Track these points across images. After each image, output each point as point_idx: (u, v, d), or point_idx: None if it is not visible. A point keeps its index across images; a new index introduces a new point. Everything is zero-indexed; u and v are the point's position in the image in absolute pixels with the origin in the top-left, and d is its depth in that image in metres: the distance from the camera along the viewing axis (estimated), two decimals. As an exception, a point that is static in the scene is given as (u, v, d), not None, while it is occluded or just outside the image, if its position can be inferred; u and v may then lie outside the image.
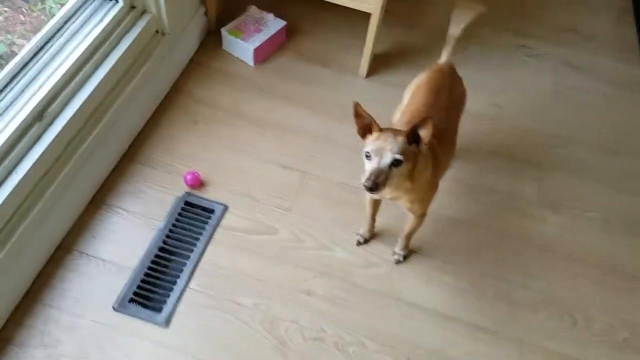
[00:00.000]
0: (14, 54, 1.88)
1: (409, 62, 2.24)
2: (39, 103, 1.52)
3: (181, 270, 1.64)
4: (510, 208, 1.86)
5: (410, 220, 1.58)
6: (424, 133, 1.22)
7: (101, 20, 1.74)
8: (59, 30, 1.67)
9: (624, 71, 2.35)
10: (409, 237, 1.66)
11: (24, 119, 1.48)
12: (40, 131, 1.53)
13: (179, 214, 1.75)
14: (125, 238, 1.69)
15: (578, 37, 2.46)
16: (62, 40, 1.66)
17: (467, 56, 2.28)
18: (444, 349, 1.55)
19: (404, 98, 1.64)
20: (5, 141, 1.43)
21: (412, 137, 1.23)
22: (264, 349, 1.52)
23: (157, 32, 1.92)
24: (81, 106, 1.61)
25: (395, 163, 1.21)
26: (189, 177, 1.80)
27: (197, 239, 1.71)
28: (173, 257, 1.67)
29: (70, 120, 1.58)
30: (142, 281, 1.61)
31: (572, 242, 1.79)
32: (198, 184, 1.82)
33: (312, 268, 1.68)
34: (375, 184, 1.20)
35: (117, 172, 1.83)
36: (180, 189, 1.81)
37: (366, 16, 2.00)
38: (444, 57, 1.64)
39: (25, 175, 1.45)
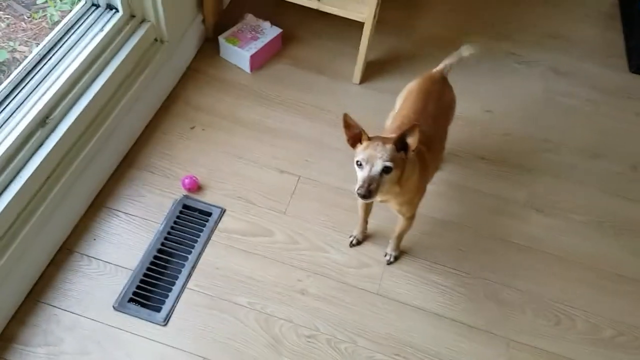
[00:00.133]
0: (15, 61, 1.93)
1: (401, 69, 2.29)
2: (42, 109, 1.56)
3: (179, 271, 1.69)
4: (499, 211, 1.91)
5: (400, 222, 1.64)
6: (411, 140, 1.27)
7: (102, 29, 1.78)
8: (61, 38, 1.72)
9: (611, 77, 2.40)
10: (399, 238, 1.71)
11: (28, 125, 1.53)
12: (43, 137, 1.57)
13: (177, 217, 1.80)
14: (125, 240, 1.74)
15: (566, 43, 2.52)
16: (64, 48, 1.70)
17: (459, 64, 2.34)
18: (433, 346, 1.60)
19: (397, 104, 1.70)
20: (10, 146, 1.48)
21: (400, 144, 1.29)
22: (259, 346, 1.57)
23: (155, 40, 1.96)
24: (83, 112, 1.65)
25: (386, 170, 1.27)
26: (187, 181, 1.85)
27: (195, 241, 1.75)
28: (171, 259, 1.72)
29: (72, 126, 1.62)
30: (142, 282, 1.66)
31: (559, 243, 1.85)
32: (196, 187, 1.86)
33: (307, 268, 1.73)
34: (369, 192, 1.26)
35: (116, 176, 1.88)
36: (179, 192, 1.86)
37: (359, 25, 2.05)
38: (440, 66, 1.69)
39: (28, 179, 1.49)
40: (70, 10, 1.85)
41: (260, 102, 2.15)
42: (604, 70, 2.43)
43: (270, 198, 1.88)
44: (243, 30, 2.27)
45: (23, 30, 2.02)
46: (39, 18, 2.04)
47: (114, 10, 1.83)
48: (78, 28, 1.76)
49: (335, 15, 2.06)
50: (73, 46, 1.73)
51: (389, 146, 1.28)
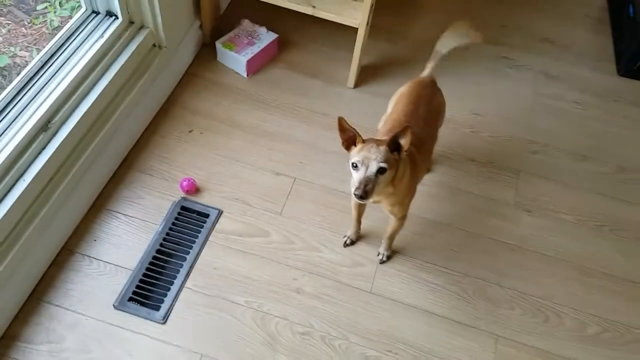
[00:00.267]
0: (16, 66, 1.97)
1: (395, 73, 2.34)
2: (44, 114, 1.60)
3: (178, 271, 1.73)
4: (488, 211, 1.96)
5: (392, 222, 1.68)
6: (404, 141, 1.32)
7: (102, 36, 1.82)
8: (62, 45, 1.76)
9: (600, 80, 2.46)
10: (391, 238, 1.76)
11: (30, 130, 1.56)
12: (46, 141, 1.61)
13: (176, 218, 1.85)
14: (125, 241, 1.78)
15: (557, 47, 2.57)
16: (65, 54, 1.74)
17: (450, 67, 2.39)
18: (424, 342, 1.65)
19: (389, 107, 1.75)
20: (13, 150, 1.52)
21: (394, 145, 1.33)
22: (256, 343, 1.61)
23: (154, 45, 2.00)
24: (83, 117, 1.69)
25: (381, 171, 1.31)
26: (185, 183, 1.89)
27: (193, 242, 1.80)
28: (170, 259, 1.76)
29: (73, 130, 1.66)
30: (141, 281, 1.70)
31: (547, 243, 1.90)
32: (194, 189, 1.91)
33: (302, 268, 1.77)
34: (365, 192, 1.30)
35: (116, 179, 1.92)
36: (177, 194, 1.90)
37: (354, 30, 2.10)
38: (427, 71, 1.74)
39: (32, 182, 1.53)
40: (70, 16, 1.89)
41: (256, 106, 2.19)
42: (593, 73, 2.48)
43: (267, 199, 1.92)
44: (240, 35, 2.31)
45: (23, 35, 2.05)
46: (39, 24, 2.07)
47: (113, 17, 1.87)
48: (79, 35, 1.80)
49: (329, 21, 2.10)
50: (74, 52, 1.77)
51: (383, 148, 1.32)
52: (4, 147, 1.53)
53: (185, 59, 2.26)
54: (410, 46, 2.49)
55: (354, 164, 1.33)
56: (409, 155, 1.44)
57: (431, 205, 1.95)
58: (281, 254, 1.80)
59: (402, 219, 1.65)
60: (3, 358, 1.52)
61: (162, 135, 2.06)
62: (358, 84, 2.31)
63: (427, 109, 1.62)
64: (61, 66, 1.73)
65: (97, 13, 1.87)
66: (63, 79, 1.70)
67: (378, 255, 1.81)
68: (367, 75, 2.34)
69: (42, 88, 1.67)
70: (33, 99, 1.64)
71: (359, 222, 1.80)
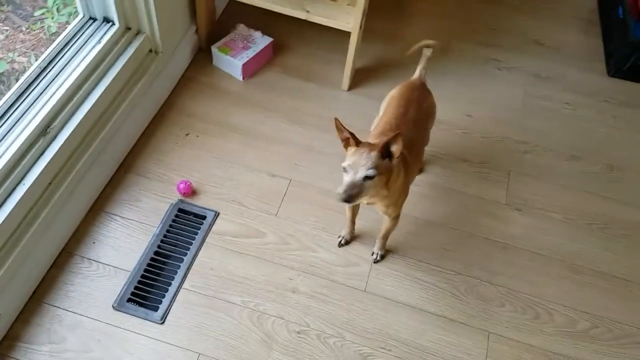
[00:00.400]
0: (15, 72, 2.00)
1: (388, 76, 2.37)
2: (43, 119, 1.63)
3: (175, 272, 1.76)
4: (480, 210, 2.00)
5: (385, 222, 1.72)
6: (395, 148, 1.34)
7: (99, 41, 1.85)
8: (60, 51, 1.79)
9: (590, 81, 2.50)
10: (385, 237, 1.79)
11: (30, 134, 1.59)
12: (45, 145, 1.64)
13: (173, 220, 1.88)
14: (123, 243, 1.81)
15: (547, 49, 2.61)
16: (63, 60, 1.77)
17: (441, 69, 2.43)
18: (417, 339, 1.68)
19: (380, 110, 1.78)
20: (14, 154, 1.55)
21: (386, 151, 1.36)
22: (252, 342, 1.64)
23: (150, 50, 2.03)
24: (82, 121, 1.72)
25: (368, 178, 1.34)
26: (181, 185, 1.92)
27: (190, 243, 1.83)
28: (168, 260, 1.79)
29: (72, 135, 1.69)
30: (139, 282, 1.73)
31: (538, 241, 1.93)
32: (190, 192, 1.94)
33: (297, 268, 1.81)
34: (349, 196, 1.33)
35: (114, 182, 1.95)
36: (174, 197, 1.93)
37: (347, 34, 2.13)
38: (416, 73, 1.78)
39: (31, 186, 1.56)
40: (68, 22, 1.92)
41: (252, 109, 2.23)
42: (583, 74, 2.52)
43: (262, 201, 1.95)
44: (235, 39, 2.35)
45: (22, 41, 2.07)
46: (37, 29, 2.09)
47: (110, 23, 1.90)
48: (76, 41, 1.83)
49: (323, 25, 2.13)
50: (72, 58, 1.79)
51: (374, 154, 1.34)
52: (5, 152, 1.56)
53: (181, 63, 2.29)
54: (404, 49, 2.48)
55: (344, 168, 1.36)
56: (401, 158, 1.48)
57: (424, 205, 1.98)
58: (277, 254, 1.83)
59: (395, 218, 1.69)
60: (5, 359, 1.55)
61: (159, 138, 2.09)
62: (352, 86, 2.34)
63: (418, 111, 1.66)
64: (59, 72, 1.76)
65: (94, 19, 1.90)
66: (61, 84, 1.73)
67: (372, 254, 1.85)
68: (361, 77, 2.37)
69: (41, 93, 1.70)
70: (32, 104, 1.67)
71: (353, 222, 1.83)
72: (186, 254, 1.80)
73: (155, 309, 1.68)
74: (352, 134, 1.37)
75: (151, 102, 2.13)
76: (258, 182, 2.00)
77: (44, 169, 1.60)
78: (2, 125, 1.60)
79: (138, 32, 1.98)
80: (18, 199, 1.53)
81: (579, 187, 2.10)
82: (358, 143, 1.37)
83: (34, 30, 2.08)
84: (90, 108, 1.76)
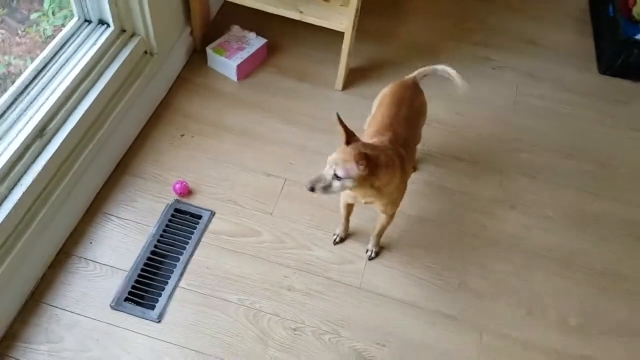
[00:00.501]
0: (11, 75, 2.01)
1: (382, 75, 2.39)
2: (39, 121, 1.65)
3: (172, 271, 1.78)
4: (473, 208, 2.02)
5: (380, 219, 1.74)
6: (360, 169, 1.34)
7: (94, 44, 1.86)
8: (56, 53, 1.81)
9: (582, 79, 2.52)
10: (379, 235, 1.82)
11: (27, 136, 1.61)
12: (41, 147, 1.65)
13: (169, 220, 1.90)
14: (120, 243, 1.83)
15: (539, 48, 2.64)
16: (59, 63, 1.79)
17: (432, 75, 2.45)
18: (411, 335, 1.71)
19: (373, 109, 1.81)
20: (11, 156, 1.56)
21: (365, 160, 1.33)
22: (248, 339, 1.66)
23: (145, 52, 2.05)
24: (78, 123, 1.73)
25: (337, 178, 1.37)
26: (177, 186, 1.94)
27: (186, 243, 1.85)
28: (164, 260, 1.81)
29: (68, 136, 1.70)
30: (136, 282, 1.74)
31: (530, 238, 1.96)
32: (186, 192, 1.96)
33: (293, 266, 1.83)
34: (312, 188, 1.38)
35: (111, 183, 1.97)
36: (170, 197, 1.95)
37: (341, 34, 2.15)
38: (413, 74, 1.79)
39: (29, 187, 1.57)
40: (63, 25, 1.93)
41: (247, 109, 2.24)
42: (575, 72, 2.55)
43: (258, 200, 1.97)
44: (229, 41, 2.37)
45: (17, 44, 2.08)
46: (33, 33, 2.10)
47: (105, 26, 1.91)
48: (72, 43, 1.85)
49: (317, 26, 2.15)
50: (67, 60, 1.81)
51: (351, 159, 1.33)
52: (2, 154, 1.57)
53: (176, 65, 2.31)
54: (397, 48, 2.55)
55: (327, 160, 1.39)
56: (398, 157, 1.49)
57: (418, 203, 2.01)
58: (272, 252, 1.85)
59: (392, 216, 1.71)
60: (4, 358, 1.57)
61: (154, 139, 2.11)
62: (346, 86, 2.36)
63: (410, 110, 1.68)
64: (55, 74, 1.77)
65: (89, 22, 1.91)
66: (57, 86, 1.75)
67: (366, 252, 1.87)
68: (355, 77, 2.39)
69: (37, 96, 1.71)
70: (29, 106, 1.68)
71: (347, 220, 1.85)
72: (182, 253, 1.82)
73: (152, 307, 1.70)
74: (346, 132, 1.39)
75: (147, 104, 2.14)
76: (253, 181, 2.02)
77: (40, 170, 1.62)
78: (-1, 127, 1.62)
79: (133, 34, 1.99)
80: (16, 200, 1.55)
81: (572, 184, 2.12)
82: (348, 142, 1.39)
83: (30, 34, 2.09)
84: (86, 110, 1.77)
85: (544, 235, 1.97)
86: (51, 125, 1.69)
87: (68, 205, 1.76)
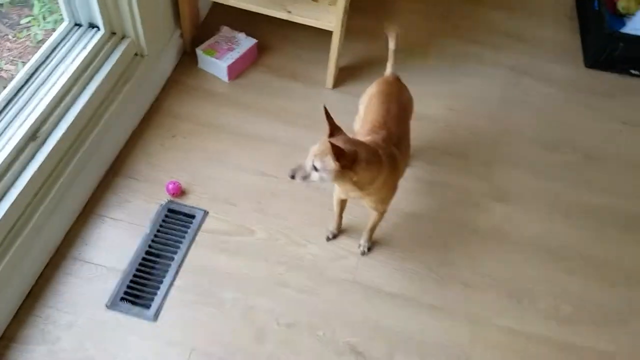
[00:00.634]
0: (2, 80, 2.02)
1: (372, 73, 2.38)
2: (32, 125, 1.66)
3: (167, 271, 1.80)
4: (462, 201, 2.05)
5: (372, 215, 1.76)
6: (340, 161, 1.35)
7: (85, 47, 1.88)
8: (47, 57, 1.82)
9: (568, 73, 2.56)
10: (372, 230, 1.84)
11: (20, 140, 1.62)
12: (34, 150, 1.66)
13: (163, 221, 1.91)
14: (115, 244, 1.84)
15: (525, 43, 2.67)
16: (50, 66, 1.80)
17: (423, 65, 2.48)
18: (405, 327, 1.73)
19: (360, 108, 1.82)
20: (4, 160, 1.57)
21: (339, 156, 1.34)
22: (243, 336, 1.68)
23: (136, 54, 2.06)
24: (70, 126, 1.75)
25: (315, 169, 1.39)
26: (170, 186, 1.96)
27: (180, 242, 1.87)
28: (159, 260, 1.82)
29: (61, 139, 1.71)
30: (132, 282, 1.76)
31: (518, 228, 1.99)
32: (179, 192, 1.97)
33: (286, 263, 1.85)
34: (293, 176, 1.42)
35: (104, 185, 1.98)
36: (163, 197, 1.97)
37: (329, 33, 2.17)
38: (388, 69, 1.83)
39: (22, 190, 1.58)
40: (54, 29, 1.94)
41: (238, 110, 2.26)
42: (561, 66, 2.59)
43: (251, 199, 1.99)
44: (219, 42, 2.39)
45: (8, 49, 2.09)
46: (24, 37, 2.11)
47: (95, 29, 1.93)
48: (62, 47, 1.86)
49: (306, 25, 2.17)
50: (58, 64, 1.82)
51: (329, 152, 1.33)
52: (-5, 158, 1.59)
53: (167, 66, 2.33)
54: (384, 46, 2.55)
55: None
56: (389, 156, 1.51)
57: (409, 198, 2.03)
58: (266, 250, 1.87)
59: (383, 213, 1.73)
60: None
61: (147, 141, 2.12)
62: (337, 84, 2.38)
63: (398, 106, 1.70)
64: (47, 78, 1.79)
65: (80, 25, 1.93)
66: (49, 90, 1.76)
67: (359, 247, 1.89)
68: (345, 75, 2.42)
69: (29, 100, 1.72)
70: (21, 110, 1.69)
71: (340, 216, 1.87)
72: (177, 252, 1.84)
73: (148, 307, 1.72)
74: (330, 125, 1.40)
75: (138, 106, 2.16)
76: (246, 180, 2.04)
77: (34, 173, 1.63)
78: (-8, 131, 1.63)
79: (123, 37, 2.01)
80: (10, 203, 1.56)
81: (559, 176, 2.16)
82: (331, 135, 1.40)
83: (21, 39, 2.10)
84: (78, 113, 1.78)
85: (532, 226, 2.00)
86: (44, 129, 1.70)
87: (62, 208, 1.78)
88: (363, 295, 1.79)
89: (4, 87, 1.74)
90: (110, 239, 1.85)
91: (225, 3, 2.20)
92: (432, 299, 1.80)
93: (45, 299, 1.70)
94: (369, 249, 1.89)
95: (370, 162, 1.43)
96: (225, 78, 2.35)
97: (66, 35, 1.90)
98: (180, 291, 1.76)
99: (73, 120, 1.76)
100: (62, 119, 1.76)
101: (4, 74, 2.03)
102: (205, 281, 1.79)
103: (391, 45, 1.83)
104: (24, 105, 1.71)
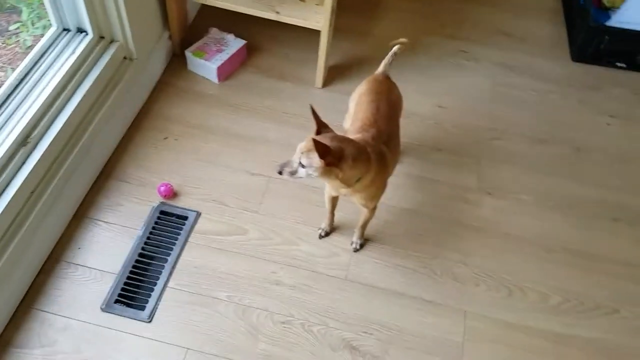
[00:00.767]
0: (-8, 85, 2.02)
1: (361, 72, 2.42)
2: (22, 130, 1.66)
3: (160, 272, 1.81)
4: (453, 196, 2.07)
5: (363, 212, 1.78)
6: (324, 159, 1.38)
7: (73, 52, 1.88)
8: (36, 63, 1.82)
9: (555, 67, 2.58)
10: (363, 227, 1.86)
11: (11, 145, 1.62)
12: (25, 155, 1.67)
13: (156, 223, 1.92)
14: (108, 247, 1.85)
15: (512, 38, 2.70)
16: (40, 72, 1.81)
17: (412, 63, 2.50)
18: (397, 322, 1.75)
19: (350, 107, 1.84)
20: (-5, 165, 1.59)
21: (325, 153, 1.36)
22: (239, 334, 1.70)
23: (125, 58, 2.07)
24: (61, 130, 1.75)
25: (302, 165, 1.41)
26: (162, 188, 1.97)
27: (174, 244, 1.88)
28: (152, 261, 1.83)
29: (52, 144, 1.72)
30: (126, 284, 1.77)
31: (508, 222, 2.01)
32: (171, 194, 1.98)
33: (280, 261, 1.86)
34: (280, 171, 1.44)
35: (96, 188, 1.99)
36: (155, 199, 1.98)
37: (318, 33, 2.18)
38: (380, 68, 1.84)
39: (14, 196, 1.59)
40: (43, 35, 1.95)
41: (229, 111, 2.27)
42: (548, 61, 2.61)
43: (243, 199, 2.01)
44: (208, 43, 2.39)
45: (-3, 56, 2.10)
46: (13, 44, 2.11)
47: (83, 33, 1.93)
48: (51, 52, 1.86)
49: (294, 25, 2.18)
50: (48, 69, 1.83)
51: (312, 148, 1.35)
52: (-15, 164, 1.59)
53: (156, 69, 2.33)
54: (374, 44, 2.59)
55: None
56: (377, 154, 1.53)
57: (400, 194, 2.05)
58: (259, 249, 1.89)
59: (373, 210, 1.75)
60: (-2, 364, 1.60)
61: (138, 143, 2.13)
62: (326, 83, 2.40)
63: (388, 105, 1.72)
64: (36, 83, 1.79)
65: (68, 30, 1.93)
66: (39, 95, 1.76)
67: (351, 244, 1.91)
68: (334, 74, 2.43)
69: (19, 105, 1.73)
70: (11, 115, 1.70)
71: (332, 214, 1.89)
72: (170, 254, 1.85)
73: (142, 308, 1.73)
74: (317, 123, 1.43)
75: (128, 109, 2.16)
76: (238, 181, 2.06)
77: (25, 178, 1.63)
78: (-18, 137, 1.63)
79: (112, 41, 2.01)
80: (2, 209, 1.56)
81: (548, 170, 2.18)
82: (318, 133, 1.43)
83: (10, 45, 2.10)
84: (69, 117, 1.79)
85: (521, 219, 2.03)
86: (34, 133, 1.70)
87: (55, 212, 1.78)
88: (357, 291, 1.81)
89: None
90: (103, 242, 1.86)
91: (213, 5, 2.21)
92: (424, 293, 1.82)
93: (40, 303, 1.71)
94: (362, 246, 1.91)
95: (357, 159, 1.45)
96: (215, 79, 2.36)
97: (55, 40, 1.90)
98: (174, 292, 1.77)
99: (64, 125, 1.77)
100: (53, 123, 1.77)
101: (-7, 80, 2.03)
102: (199, 281, 1.80)
103: (395, 49, 1.85)
104: (14, 110, 1.72)
